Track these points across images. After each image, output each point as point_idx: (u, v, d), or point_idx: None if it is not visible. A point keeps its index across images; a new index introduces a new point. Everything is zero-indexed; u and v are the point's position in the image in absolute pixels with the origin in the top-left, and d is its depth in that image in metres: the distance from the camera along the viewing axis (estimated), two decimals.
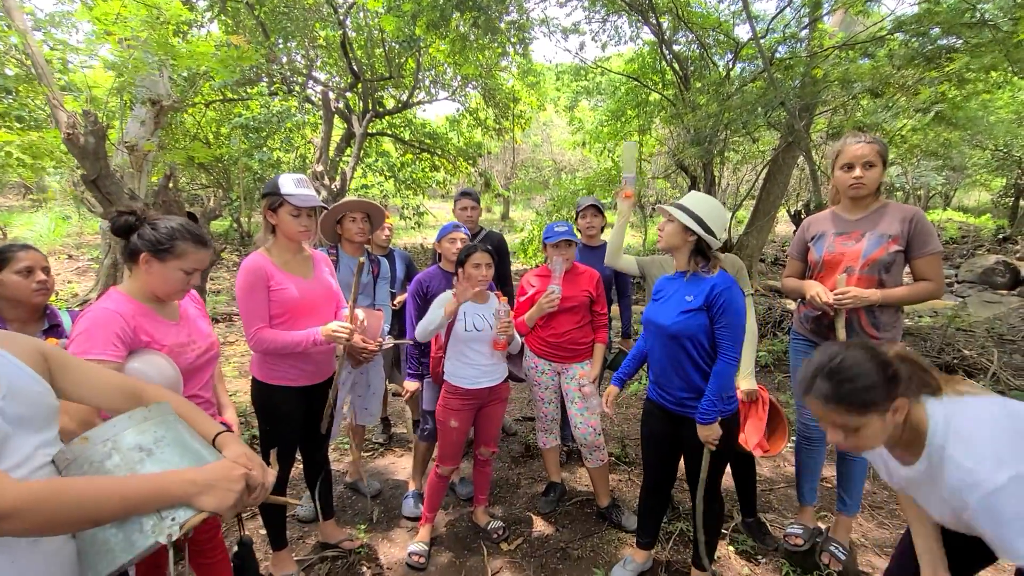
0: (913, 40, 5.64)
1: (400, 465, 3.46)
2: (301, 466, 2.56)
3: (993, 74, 5.66)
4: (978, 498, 1.03)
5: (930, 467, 1.19)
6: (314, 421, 2.28)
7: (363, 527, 2.77)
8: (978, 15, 4.99)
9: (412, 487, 2.98)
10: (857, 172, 2.08)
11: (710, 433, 1.95)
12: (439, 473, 2.54)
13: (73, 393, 1.09)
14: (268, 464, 1.37)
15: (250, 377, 2.20)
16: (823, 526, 2.56)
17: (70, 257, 10.11)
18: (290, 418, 2.18)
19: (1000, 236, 12.96)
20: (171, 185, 3.10)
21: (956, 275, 10.43)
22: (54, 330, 1.93)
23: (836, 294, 2.02)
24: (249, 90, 7.93)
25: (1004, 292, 9.20)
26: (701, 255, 2.00)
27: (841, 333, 2.05)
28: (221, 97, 8.17)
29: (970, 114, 7.65)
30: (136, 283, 1.59)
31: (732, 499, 2.84)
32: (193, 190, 11.09)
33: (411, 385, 2.80)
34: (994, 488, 1.02)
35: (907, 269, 2.16)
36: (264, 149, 6.94)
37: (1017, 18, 4.75)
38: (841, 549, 2.32)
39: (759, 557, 2.53)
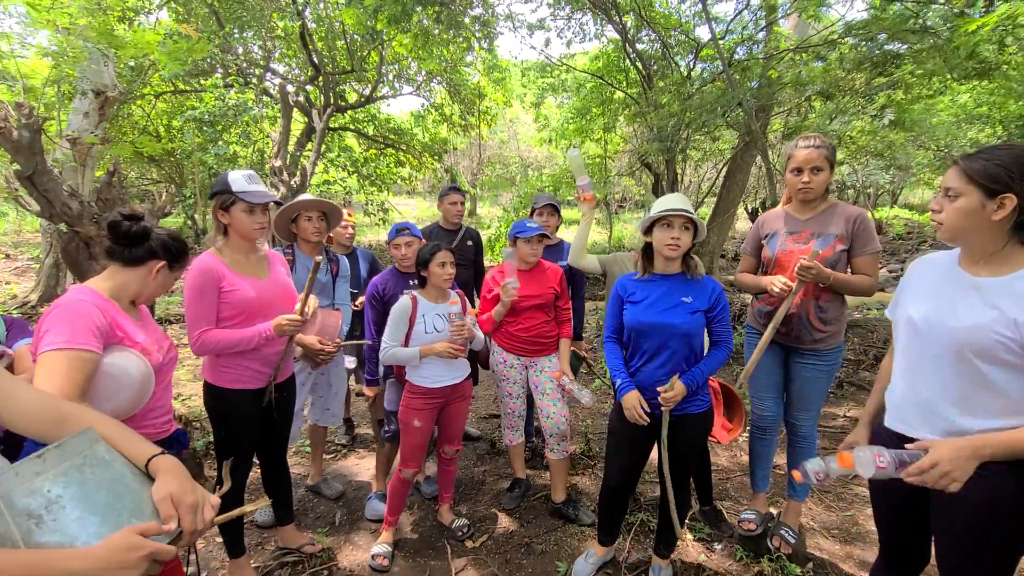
0: (862, 45, 5.89)
1: (364, 466, 3.42)
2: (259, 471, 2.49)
3: (935, 80, 5.97)
4: None
5: (1018, 279, 1.27)
6: (271, 424, 2.23)
7: (325, 530, 2.72)
8: (920, 22, 5.25)
9: (376, 488, 2.95)
10: (805, 177, 2.17)
11: (679, 392, 1.96)
12: (402, 477, 2.52)
13: None
14: (220, 483, 1.31)
15: (203, 381, 2.13)
16: (775, 511, 2.66)
17: (7, 257, 9.54)
18: (246, 422, 2.12)
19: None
20: (115, 181, 2.95)
21: (901, 269, 11.00)
22: None
23: (801, 267, 2.06)
24: (203, 81, 7.60)
25: None
26: (690, 254, 2.07)
27: (782, 312, 2.13)
28: (172, 88, 7.81)
29: (914, 116, 8.05)
30: (114, 282, 1.55)
31: (689, 488, 2.93)
32: (143, 185, 10.58)
33: (370, 390, 2.78)
34: None
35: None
36: (220, 143, 6.67)
37: (954, 26, 5.03)
38: (791, 533, 2.42)
39: (715, 543, 2.61)
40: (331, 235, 3.30)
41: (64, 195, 2.79)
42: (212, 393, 2.08)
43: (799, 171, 2.19)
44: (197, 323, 1.91)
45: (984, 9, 4.89)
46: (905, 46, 5.52)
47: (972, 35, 4.61)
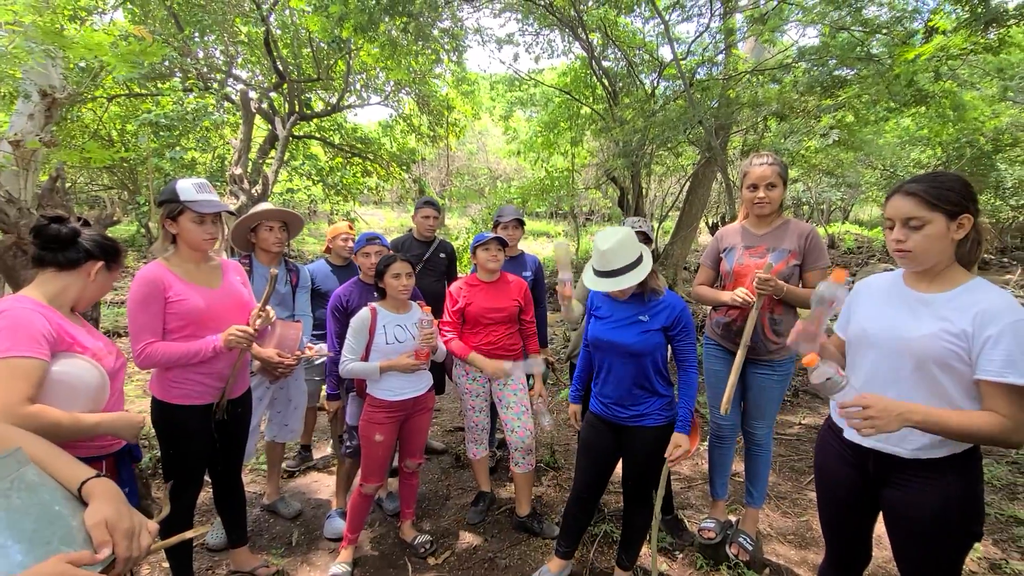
0: (814, 69, 6.22)
1: (323, 483, 3.31)
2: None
3: (880, 105, 6.34)
4: (1013, 320, 1.27)
5: (960, 294, 1.38)
6: (224, 441, 2.14)
7: (280, 551, 2.62)
8: (866, 51, 5.59)
9: (336, 506, 2.87)
10: (761, 193, 2.27)
11: (684, 441, 2.04)
12: (363, 492, 2.45)
13: None
14: (158, 509, 1.24)
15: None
16: (734, 519, 2.72)
17: None
18: (196, 440, 2.03)
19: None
20: (59, 186, 2.81)
21: (852, 282, 11.52)
22: None
23: (759, 280, 2.12)
24: (160, 85, 7.34)
25: None
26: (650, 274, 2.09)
27: (749, 330, 2.19)
28: (127, 92, 7.51)
29: (863, 137, 8.52)
30: (50, 288, 1.48)
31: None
32: (93, 191, 10.07)
33: (331, 405, 2.72)
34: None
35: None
36: (177, 148, 6.43)
37: (895, 55, 5.37)
38: (748, 540, 2.48)
39: (676, 552, 2.64)
40: (330, 246, 3.25)
41: (1, 200, 2.64)
42: (160, 409, 1.98)
43: (754, 187, 2.28)
44: (140, 335, 1.83)
45: (923, 40, 5.24)
46: (853, 72, 5.85)
47: (911, 63, 4.93)
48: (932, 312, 1.39)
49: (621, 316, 2.11)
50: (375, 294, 2.49)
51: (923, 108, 6.22)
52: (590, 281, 2.06)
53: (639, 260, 2.02)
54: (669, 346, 2.15)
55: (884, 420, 1.29)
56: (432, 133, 10.47)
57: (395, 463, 2.97)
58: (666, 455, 2.04)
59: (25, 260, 1.57)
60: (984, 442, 1.31)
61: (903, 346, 1.41)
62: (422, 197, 3.50)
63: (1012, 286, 8.05)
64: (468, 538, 2.78)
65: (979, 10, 4.50)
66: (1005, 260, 11.29)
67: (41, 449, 1.01)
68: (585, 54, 8.09)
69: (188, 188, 1.88)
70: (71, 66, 5.33)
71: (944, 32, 4.76)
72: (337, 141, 9.71)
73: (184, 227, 1.89)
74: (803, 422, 4.28)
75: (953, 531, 1.39)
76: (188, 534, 1.22)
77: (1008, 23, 4.47)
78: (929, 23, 5.02)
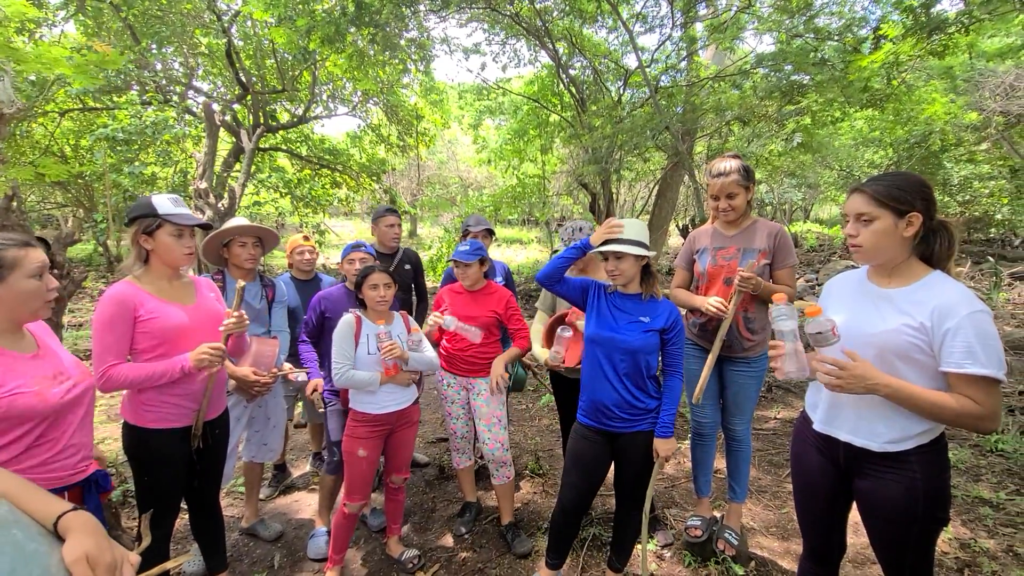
0: (771, 75, 6.47)
1: (304, 502, 3.22)
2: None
3: (836, 109, 6.63)
4: (968, 312, 1.33)
5: (918, 288, 1.44)
6: (201, 464, 2.06)
7: None
8: (820, 56, 5.85)
9: (319, 525, 2.79)
10: (723, 204, 2.34)
11: (670, 446, 2.05)
12: (347, 512, 2.40)
13: None
14: (139, 539, 1.18)
15: (121, 421, 1.94)
16: (719, 514, 2.76)
17: None
18: (172, 466, 1.94)
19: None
20: (14, 206, 2.68)
21: (816, 279, 11.93)
22: None
23: (741, 279, 2.18)
24: (116, 99, 7.09)
25: None
26: (649, 273, 2.12)
27: (724, 327, 2.24)
28: (80, 105, 7.22)
29: (820, 140, 8.91)
30: None
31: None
32: (46, 209, 9.61)
33: (313, 381, 2.59)
34: (983, 309, 1.35)
35: None
36: (136, 163, 6.21)
37: (848, 61, 5.64)
38: (734, 535, 2.52)
39: (665, 551, 2.67)
40: (290, 262, 3.20)
41: None
42: (132, 435, 1.89)
43: (716, 198, 2.36)
44: (104, 357, 1.73)
45: (872, 46, 5.52)
46: (808, 77, 6.12)
47: (863, 70, 5.18)
48: (894, 307, 1.46)
49: (622, 314, 2.12)
50: (358, 303, 2.45)
51: (879, 112, 6.53)
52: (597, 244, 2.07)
53: (642, 245, 2.05)
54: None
55: (852, 385, 1.38)
56: (402, 143, 10.42)
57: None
58: (656, 460, 2.07)
59: None
60: (954, 422, 1.37)
61: (866, 340, 1.48)
62: (381, 206, 3.44)
63: (963, 278, 8.49)
64: (457, 550, 2.75)
65: (922, 19, 4.77)
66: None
67: (12, 485, 0.95)
68: (552, 63, 8.21)
69: (165, 202, 1.83)
70: (21, 79, 5.11)
71: (892, 39, 5.02)
72: (305, 153, 9.56)
73: (162, 242, 1.83)
74: (778, 416, 4.40)
75: (920, 518, 1.45)
76: (168, 564, 1.16)
77: (950, 30, 4.75)
78: (878, 31, 5.29)
